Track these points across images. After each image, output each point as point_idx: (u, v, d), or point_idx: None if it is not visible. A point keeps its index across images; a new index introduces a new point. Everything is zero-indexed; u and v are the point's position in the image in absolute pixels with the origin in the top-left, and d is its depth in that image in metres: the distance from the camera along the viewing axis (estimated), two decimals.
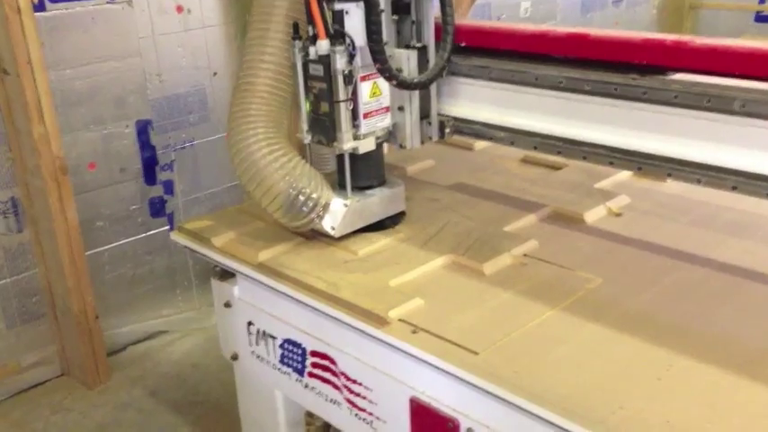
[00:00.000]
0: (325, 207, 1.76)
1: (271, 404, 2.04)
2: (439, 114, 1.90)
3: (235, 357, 2.08)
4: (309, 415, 2.00)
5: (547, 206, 1.96)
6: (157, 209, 3.09)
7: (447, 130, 1.86)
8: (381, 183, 1.89)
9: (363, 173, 1.85)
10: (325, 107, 1.72)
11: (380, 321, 1.52)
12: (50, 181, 2.58)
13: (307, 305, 1.69)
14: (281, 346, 1.89)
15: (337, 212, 1.78)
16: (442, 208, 1.98)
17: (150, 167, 3.03)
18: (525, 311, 1.52)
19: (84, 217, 2.83)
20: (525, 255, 1.75)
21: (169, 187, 3.10)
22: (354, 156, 1.78)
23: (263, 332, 1.94)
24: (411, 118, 1.84)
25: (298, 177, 1.72)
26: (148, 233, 3.08)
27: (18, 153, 2.64)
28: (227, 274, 1.97)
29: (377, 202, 1.85)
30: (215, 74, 3.08)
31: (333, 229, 1.78)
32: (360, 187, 1.85)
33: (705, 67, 1.51)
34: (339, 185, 1.84)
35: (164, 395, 2.80)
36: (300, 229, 1.82)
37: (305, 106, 1.76)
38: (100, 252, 2.95)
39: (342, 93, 1.70)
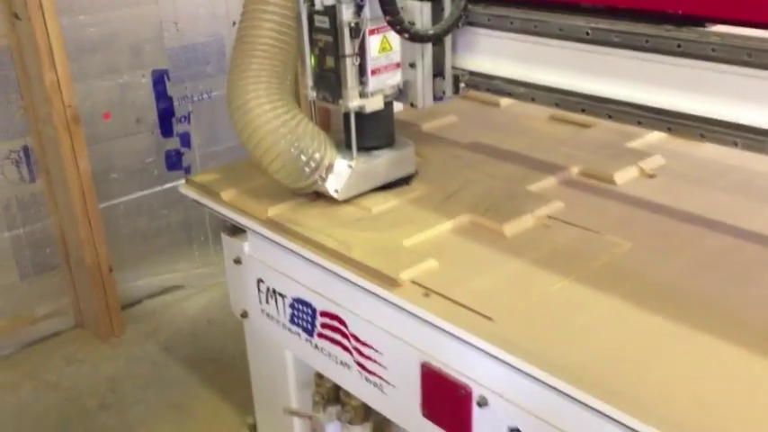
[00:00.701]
0: (329, 168, 1.68)
1: (281, 364, 1.98)
2: (453, 68, 1.77)
3: (245, 315, 2.03)
4: (319, 376, 1.94)
5: (575, 166, 1.85)
6: (173, 162, 3.02)
7: (462, 86, 1.75)
8: (390, 143, 1.79)
9: (370, 133, 1.74)
10: (330, 62, 1.62)
11: (391, 283, 1.44)
12: (62, 130, 2.52)
13: (316, 264, 1.62)
14: (291, 305, 1.82)
15: (341, 174, 1.70)
16: (462, 166, 1.89)
17: (166, 119, 2.96)
18: (546, 276, 1.44)
19: (99, 168, 2.78)
20: (549, 216, 1.65)
21: (186, 140, 3.03)
22: (361, 115, 1.68)
23: (273, 290, 1.87)
24: (423, 75, 1.71)
25: (300, 136, 1.64)
26: (164, 186, 3.03)
27: (30, 101, 2.58)
28: (237, 230, 1.90)
29: (384, 164, 1.76)
30: (234, 23, 2.97)
31: (336, 191, 1.70)
32: (366, 148, 1.74)
33: (747, 17, 1.38)
34: (345, 146, 1.75)
35: (177, 350, 2.77)
36: (303, 191, 1.74)
37: (310, 61, 1.66)
38: (115, 204, 2.91)
39: (348, 47, 1.59)
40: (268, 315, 1.92)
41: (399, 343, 1.52)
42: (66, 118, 2.52)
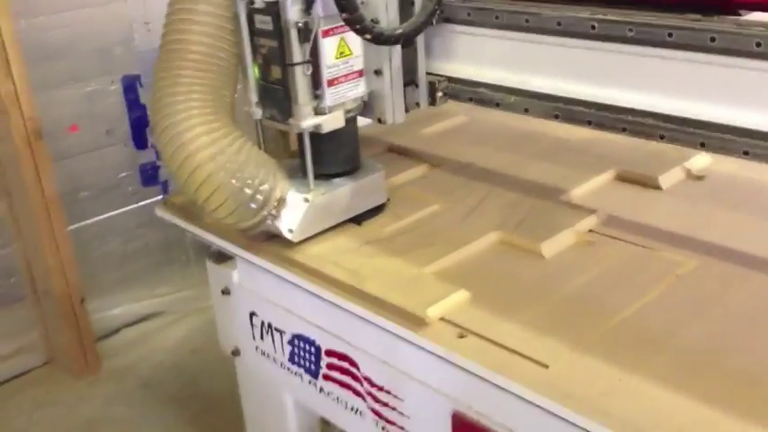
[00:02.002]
0: (280, 203, 1.38)
1: (279, 408, 1.73)
2: (428, 74, 1.50)
3: (236, 353, 1.77)
4: (326, 423, 1.69)
5: (611, 169, 1.61)
6: (149, 176, 2.76)
7: (439, 95, 1.48)
8: (355, 168, 1.49)
9: (330, 157, 1.45)
10: (276, 72, 1.34)
11: (418, 322, 1.19)
12: (23, 147, 2.26)
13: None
14: (291, 342, 1.57)
15: (296, 209, 1.39)
16: (480, 173, 1.64)
17: (140, 129, 2.70)
18: (600, 307, 1.19)
19: (66, 187, 2.52)
20: (592, 231, 1.41)
21: None
22: (318, 136, 1.39)
23: (269, 325, 1.62)
24: (392, 84, 1.42)
25: (243, 165, 1.33)
26: (140, 203, 2.76)
27: None
28: (224, 256, 1.64)
29: (347, 195, 1.46)
30: None
31: (290, 231, 1.40)
32: (326, 175, 1.46)
33: None
34: (301, 174, 1.45)
35: (158, 387, 2.50)
36: (251, 232, 1.43)
37: (252, 71, 1.38)
38: (86, 226, 2.64)
39: (297, 53, 1.30)
40: (263, 353, 1.67)
41: (425, 389, 1.27)
42: (26, 132, 2.25)
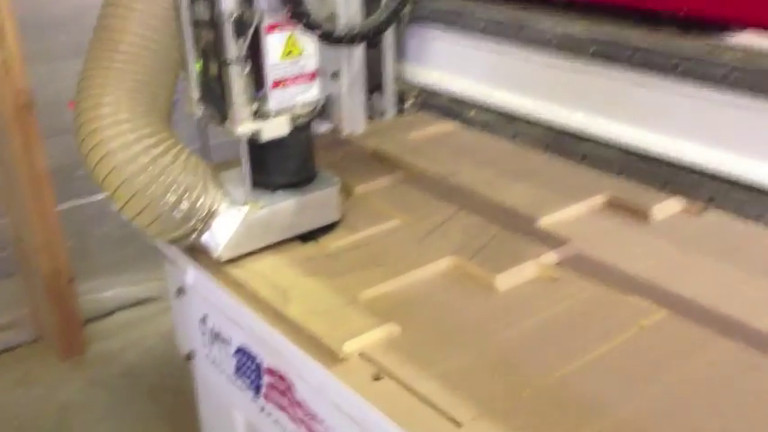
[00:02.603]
0: (210, 214, 1.24)
1: (231, 425, 1.62)
2: (398, 80, 1.33)
3: (190, 356, 1.67)
4: None
5: (601, 193, 1.44)
6: None
7: (409, 102, 1.32)
8: (306, 180, 1.33)
9: (275, 166, 1.30)
10: (214, 69, 1.19)
11: (331, 356, 1.06)
12: (12, 120, 2.18)
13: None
14: (235, 354, 1.46)
15: (227, 223, 1.25)
16: (454, 190, 1.48)
17: None
18: (544, 357, 1.04)
19: (62, 163, 2.44)
20: (559, 264, 1.25)
21: None
22: (266, 144, 1.24)
23: (218, 334, 1.51)
24: (351, 89, 1.25)
25: (167, 168, 1.20)
26: None
27: None
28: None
29: (292, 210, 1.30)
30: None
31: (218, 247, 1.25)
32: (272, 185, 1.31)
33: None
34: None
35: (141, 376, 2.42)
36: (178, 244, 1.31)
37: (194, 65, 1.24)
38: (82, 205, 2.56)
39: (232, 48, 1.15)
40: (213, 362, 1.56)
41: (351, 423, 1.14)
42: (16, 106, 2.18)
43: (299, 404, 1.28)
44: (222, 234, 1.24)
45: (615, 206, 1.42)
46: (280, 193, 1.30)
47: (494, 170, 1.55)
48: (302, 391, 1.26)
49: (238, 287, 1.24)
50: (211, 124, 1.26)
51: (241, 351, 1.43)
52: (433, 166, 1.56)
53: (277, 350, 1.26)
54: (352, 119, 1.26)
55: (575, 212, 1.40)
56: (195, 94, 1.26)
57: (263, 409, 1.41)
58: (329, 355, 1.06)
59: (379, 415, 0.97)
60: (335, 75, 1.24)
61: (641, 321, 1.10)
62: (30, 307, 2.55)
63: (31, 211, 2.28)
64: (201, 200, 1.22)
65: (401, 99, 1.34)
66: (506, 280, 1.20)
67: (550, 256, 1.25)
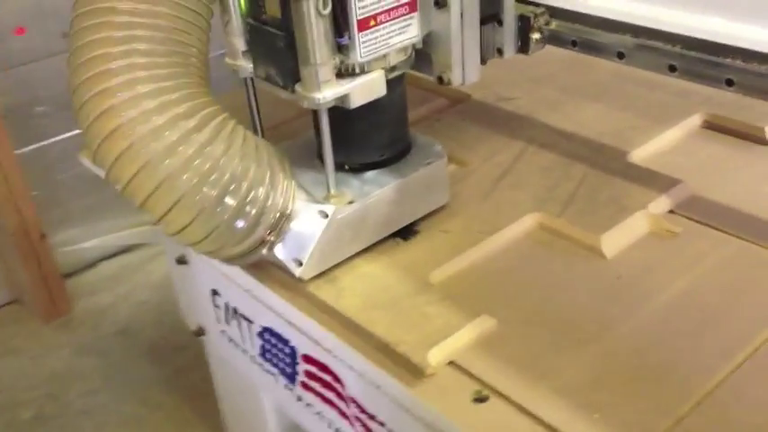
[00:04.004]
0: (284, 219, 0.89)
1: (256, 405, 1.38)
2: (520, 2, 0.95)
3: (200, 333, 1.41)
4: None
5: (698, 111, 1.17)
6: None
7: (535, 38, 0.98)
8: (401, 154, 0.97)
9: (366, 139, 0.95)
10: (273, 6, 0.84)
11: (412, 370, 0.80)
12: None
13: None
14: (261, 335, 1.20)
15: (308, 230, 0.89)
16: (517, 119, 1.20)
17: None
18: (697, 353, 0.79)
19: (17, 101, 2.10)
20: (672, 212, 0.99)
21: None
22: (346, 110, 0.87)
23: (234, 310, 1.25)
24: (462, 21, 0.89)
25: (221, 159, 0.83)
26: None
27: None
28: None
29: (391, 199, 0.93)
30: None
31: (298, 264, 0.89)
32: (356, 167, 0.96)
33: None
34: (320, 165, 0.95)
35: (138, 335, 2.17)
36: (240, 262, 0.94)
37: (236, 5, 0.89)
38: (46, 147, 2.23)
39: None
40: (231, 340, 1.31)
41: (424, 431, 0.90)
42: None
43: (352, 400, 1.03)
44: (301, 245, 0.88)
45: (718, 126, 1.15)
46: (370, 177, 0.94)
47: (558, 91, 1.26)
48: (354, 387, 1.01)
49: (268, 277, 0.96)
50: (266, 87, 0.90)
51: (268, 332, 1.18)
52: (486, 90, 1.26)
53: (324, 336, 1.00)
54: (464, 65, 0.91)
55: (672, 141, 1.12)
56: (239, 43, 0.90)
57: (299, 399, 1.17)
58: (408, 369, 0.80)
59: None
60: (440, 3, 0.88)
61: None
62: (1, 267, 2.26)
63: None
64: (270, 199, 0.86)
65: (523, 32, 0.96)
66: (613, 241, 0.93)
67: (661, 203, 0.98)
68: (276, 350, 1.18)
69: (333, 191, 0.90)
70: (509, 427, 0.73)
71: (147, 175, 0.81)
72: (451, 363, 0.80)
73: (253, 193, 0.84)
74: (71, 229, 2.33)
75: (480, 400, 0.76)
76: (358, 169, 0.95)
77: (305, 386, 1.15)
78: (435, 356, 0.79)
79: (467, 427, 0.74)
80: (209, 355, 1.47)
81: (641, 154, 1.09)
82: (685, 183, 1.01)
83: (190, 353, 2.08)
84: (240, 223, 0.84)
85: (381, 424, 0.99)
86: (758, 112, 1.14)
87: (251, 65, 0.91)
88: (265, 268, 0.96)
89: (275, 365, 1.20)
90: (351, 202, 0.90)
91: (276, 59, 0.86)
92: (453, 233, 0.96)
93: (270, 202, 0.86)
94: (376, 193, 0.92)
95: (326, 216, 0.88)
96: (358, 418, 1.04)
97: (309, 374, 1.12)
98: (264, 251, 0.89)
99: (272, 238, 0.88)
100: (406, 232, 0.97)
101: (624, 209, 0.97)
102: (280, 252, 0.89)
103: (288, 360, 1.16)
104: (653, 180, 1.02)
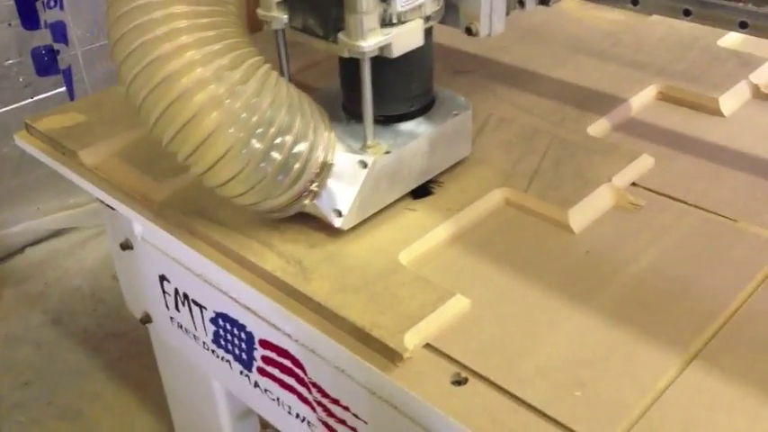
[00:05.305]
0: (325, 170, 0.88)
1: (206, 392, 1.34)
2: None
3: (146, 320, 1.36)
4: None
5: (652, 84, 1.17)
6: (45, 64, 2.20)
7: None
8: (429, 105, 0.98)
9: (396, 91, 0.95)
10: None
11: (389, 354, 0.77)
12: None
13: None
14: (214, 321, 1.16)
15: (349, 180, 0.89)
16: (474, 92, 1.17)
17: (28, 3, 2.12)
18: (677, 322, 0.79)
19: None
20: (635, 184, 0.99)
21: (60, 32, 2.19)
22: (381, 61, 0.86)
23: (185, 296, 1.20)
24: None
25: (266, 112, 0.82)
26: (37, 98, 2.22)
27: None
28: None
29: (425, 150, 0.95)
30: None
31: (338, 215, 0.89)
32: (386, 118, 0.95)
33: None
34: (346, 119, 0.97)
35: (72, 322, 2.08)
36: (279, 214, 0.92)
37: None
38: None
39: None
40: (181, 327, 1.26)
41: (394, 414, 0.87)
42: None
43: (312, 385, 1.00)
44: (341, 195, 0.88)
45: (671, 98, 1.15)
46: (403, 127, 0.95)
47: (516, 62, 1.24)
48: (316, 372, 0.98)
49: (230, 255, 0.92)
50: (298, 39, 0.88)
51: (221, 317, 1.13)
52: (444, 61, 1.24)
53: (284, 320, 0.97)
54: (492, 15, 0.90)
55: (625, 114, 1.12)
56: None
57: (256, 385, 1.14)
58: (384, 353, 0.77)
59: None
60: None
61: None
62: None
63: None
64: (313, 151, 0.85)
65: None
66: (580, 216, 0.92)
67: (624, 176, 0.98)
68: (231, 336, 1.14)
69: (370, 141, 0.90)
70: (490, 409, 0.71)
71: (193, 129, 0.80)
72: (427, 345, 0.78)
73: (297, 147, 0.84)
74: None
75: (459, 382, 0.74)
76: (387, 121, 0.95)
77: (262, 372, 1.11)
78: (411, 340, 0.77)
79: (447, 410, 0.72)
80: (156, 342, 1.41)
81: (600, 126, 1.09)
82: (646, 155, 1.01)
83: (126, 340, 2.01)
84: (284, 177, 0.84)
85: (345, 408, 0.96)
86: (710, 83, 1.15)
87: (285, 16, 0.89)
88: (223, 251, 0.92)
89: (229, 351, 1.16)
90: (387, 152, 0.90)
91: (318, 9, 0.86)
92: (420, 211, 0.94)
93: (313, 155, 0.85)
94: (411, 143, 0.92)
95: (365, 166, 0.88)
96: (320, 403, 1.01)
97: (267, 360, 1.09)
98: (307, 201, 0.89)
99: (316, 189, 0.88)
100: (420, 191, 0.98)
101: (588, 182, 0.96)
102: (320, 204, 0.89)
103: (244, 346, 1.12)
104: (614, 152, 1.02)
